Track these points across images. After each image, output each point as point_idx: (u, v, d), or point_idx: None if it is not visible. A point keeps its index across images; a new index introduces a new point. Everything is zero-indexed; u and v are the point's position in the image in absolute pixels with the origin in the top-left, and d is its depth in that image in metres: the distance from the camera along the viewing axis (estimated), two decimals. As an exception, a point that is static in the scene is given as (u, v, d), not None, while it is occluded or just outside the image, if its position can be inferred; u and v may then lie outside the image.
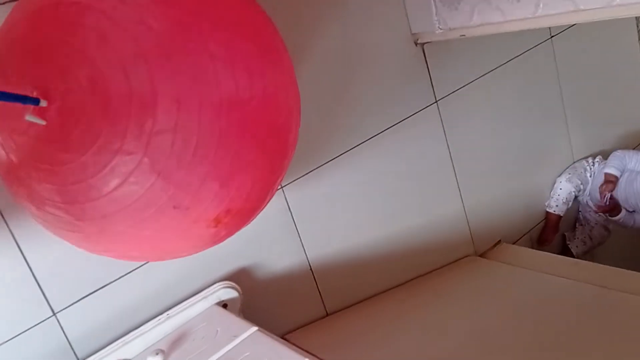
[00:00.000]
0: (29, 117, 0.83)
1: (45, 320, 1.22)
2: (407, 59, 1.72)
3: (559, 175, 2.21)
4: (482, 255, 1.97)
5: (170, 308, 1.34)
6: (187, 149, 0.87)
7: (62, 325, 1.24)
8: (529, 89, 2.07)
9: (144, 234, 0.96)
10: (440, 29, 1.62)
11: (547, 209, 2.18)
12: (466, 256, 1.94)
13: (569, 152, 2.27)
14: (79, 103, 0.85)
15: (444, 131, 1.83)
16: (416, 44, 1.72)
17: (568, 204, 2.17)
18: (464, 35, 1.57)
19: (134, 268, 1.31)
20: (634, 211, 2.16)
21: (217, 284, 1.39)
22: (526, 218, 2.15)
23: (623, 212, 2.15)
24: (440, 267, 1.88)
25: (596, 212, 2.22)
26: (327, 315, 1.64)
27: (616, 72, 2.46)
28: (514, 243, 2.08)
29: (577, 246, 2.24)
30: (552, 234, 2.19)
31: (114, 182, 0.87)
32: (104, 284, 1.28)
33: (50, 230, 1.01)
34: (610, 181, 2.10)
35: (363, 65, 1.63)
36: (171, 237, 0.99)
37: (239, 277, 1.45)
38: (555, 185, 2.19)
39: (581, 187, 2.18)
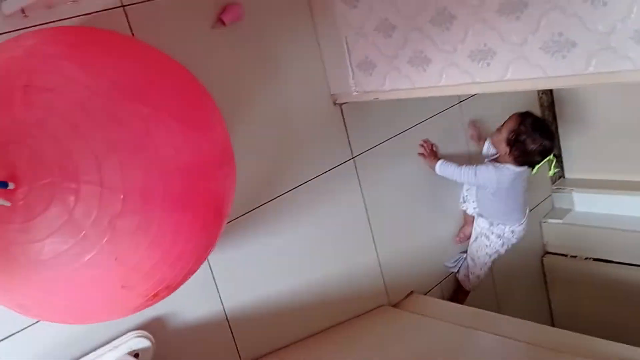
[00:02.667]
0: None
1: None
2: (326, 117, 1.82)
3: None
4: (395, 306, 2.05)
5: (78, 359, 1.31)
6: (147, 235, 0.90)
7: (-40, 377, 1.19)
8: (440, 147, 2.21)
9: (80, 306, 0.97)
10: (356, 91, 1.73)
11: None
12: (380, 306, 2.01)
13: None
14: (47, 190, 0.84)
15: (360, 185, 1.92)
16: (335, 103, 1.82)
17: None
18: (377, 98, 1.69)
19: (43, 317, 1.28)
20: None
21: (129, 334, 1.38)
22: (437, 270, 2.25)
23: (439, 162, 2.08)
24: (355, 316, 1.93)
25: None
26: (242, 365, 1.65)
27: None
28: (425, 294, 2.17)
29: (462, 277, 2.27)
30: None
31: (71, 265, 0.88)
32: (9, 334, 1.24)
33: None
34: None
35: (287, 124, 1.72)
36: (104, 308, 1.01)
37: (153, 327, 1.44)
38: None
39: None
